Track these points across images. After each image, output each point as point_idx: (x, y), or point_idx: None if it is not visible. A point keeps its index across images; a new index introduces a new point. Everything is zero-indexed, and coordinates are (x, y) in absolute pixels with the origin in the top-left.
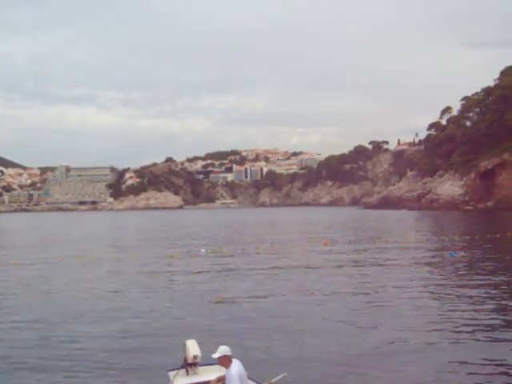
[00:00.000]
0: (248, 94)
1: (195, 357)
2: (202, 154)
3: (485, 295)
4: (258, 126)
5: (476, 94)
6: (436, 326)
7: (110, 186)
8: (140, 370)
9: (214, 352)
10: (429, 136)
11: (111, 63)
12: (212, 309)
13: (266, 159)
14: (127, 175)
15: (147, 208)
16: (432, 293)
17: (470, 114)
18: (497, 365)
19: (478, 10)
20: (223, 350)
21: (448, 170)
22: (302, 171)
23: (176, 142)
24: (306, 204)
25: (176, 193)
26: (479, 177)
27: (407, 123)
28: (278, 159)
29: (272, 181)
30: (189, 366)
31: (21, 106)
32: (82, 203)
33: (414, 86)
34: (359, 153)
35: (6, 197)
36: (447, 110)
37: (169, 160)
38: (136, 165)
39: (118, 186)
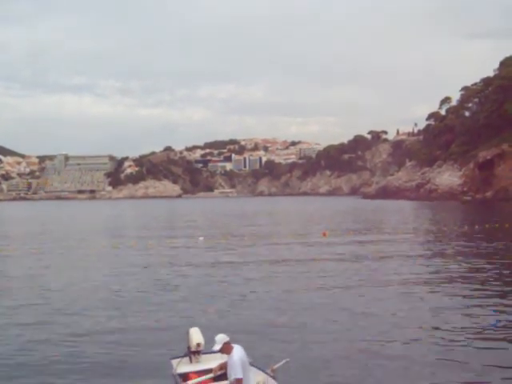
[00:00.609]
0: (247, 84)
1: (198, 344)
2: (201, 143)
3: (485, 284)
4: (257, 116)
5: (475, 84)
6: (435, 316)
7: (108, 175)
8: (143, 358)
9: (213, 344)
10: (428, 126)
11: (110, 52)
12: (211, 298)
13: (265, 148)
14: (126, 164)
15: (146, 197)
16: (428, 283)
17: (470, 105)
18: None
19: (479, 0)
20: (221, 338)
21: (447, 161)
22: (300, 161)
23: (175, 131)
24: (305, 193)
25: (175, 182)
26: (478, 167)
27: (406, 113)
28: (277, 148)
29: (271, 170)
30: (192, 353)
31: (20, 94)
32: (80, 192)
33: (414, 76)
34: (358, 142)
35: (4, 185)
36: (446, 100)
37: (168, 149)
38: (135, 154)
39: (117, 174)
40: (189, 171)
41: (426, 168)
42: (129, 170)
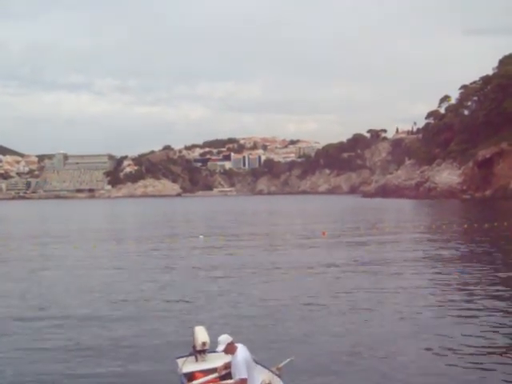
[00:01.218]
0: (245, 82)
1: (204, 343)
2: (200, 142)
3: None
4: (256, 114)
5: (474, 82)
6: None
7: (107, 174)
8: (148, 357)
9: (217, 344)
10: (427, 125)
11: (108, 50)
12: (213, 297)
13: (264, 147)
14: (125, 163)
15: (145, 196)
16: (433, 283)
17: (469, 103)
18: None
19: None
20: (224, 339)
21: (446, 159)
22: (299, 159)
23: (173, 129)
24: (304, 192)
25: (174, 181)
26: (477, 165)
27: (405, 112)
28: (276, 147)
29: (270, 169)
30: (198, 352)
31: (18, 93)
32: (79, 191)
33: (413, 74)
34: (357, 141)
35: (3, 184)
36: (445, 98)
37: (166, 148)
38: (133, 152)
39: (116, 173)
40: (188, 170)
41: (426, 166)
42: (128, 169)
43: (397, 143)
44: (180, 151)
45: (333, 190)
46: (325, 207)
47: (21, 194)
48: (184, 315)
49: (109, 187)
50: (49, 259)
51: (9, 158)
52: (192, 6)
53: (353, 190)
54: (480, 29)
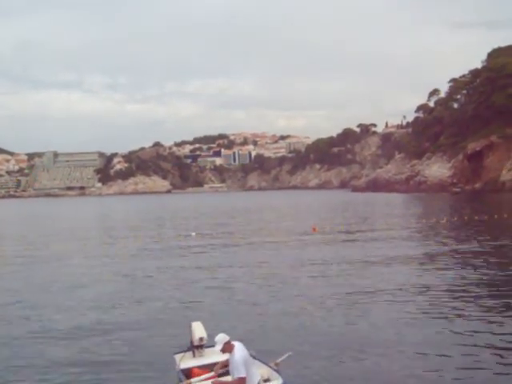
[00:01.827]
0: (235, 78)
1: (201, 339)
2: (190, 139)
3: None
4: (246, 110)
5: (464, 76)
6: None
7: (98, 171)
8: (145, 353)
9: (213, 343)
10: (416, 118)
11: (98, 48)
12: (206, 293)
13: (254, 143)
14: (115, 160)
15: (135, 193)
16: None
17: (458, 96)
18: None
19: None
20: (221, 338)
21: (436, 153)
22: (290, 155)
23: (164, 126)
24: (295, 187)
25: (164, 177)
26: (467, 159)
27: (395, 106)
28: (266, 143)
29: (260, 164)
30: (195, 348)
31: (8, 91)
32: (69, 189)
33: (402, 68)
34: (347, 136)
35: None
36: (435, 92)
37: (156, 144)
38: (124, 150)
39: (106, 171)
40: (178, 166)
41: (416, 160)
42: (118, 166)
43: (386, 137)
44: (170, 148)
45: (323, 185)
46: (315, 202)
47: (11, 193)
48: (180, 311)
49: (99, 185)
50: (36, 258)
51: None
52: (181, 2)
53: (343, 185)
54: (469, 22)
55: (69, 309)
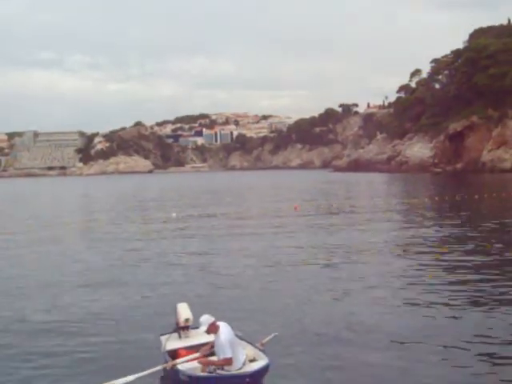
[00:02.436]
0: (217, 57)
1: (187, 320)
2: (172, 118)
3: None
4: (228, 90)
5: (446, 56)
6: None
7: (78, 151)
8: (132, 335)
9: (198, 325)
10: (398, 99)
11: (79, 26)
12: (191, 274)
13: (236, 123)
14: (96, 140)
15: (117, 172)
16: (402, 255)
17: (440, 77)
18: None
19: None
20: (206, 319)
21: (417, 133)
22: (272, 134)
23: (145, 105)
24: (277, 167)
25: (146, 157)
26: (448, 139)
27: (377, 86)
28: (248, 122)
29: (242, 144)
30: (181, 329)
31: None
32: (50, 168)
33: (385, 48)
34: (329, 116)
35: None
36: (417, 72)
37: (138, 124)
38: (105, 129)
39: (87, 150)
40: (160, 146)
41: (397, 140)
42: (99, 146)
43: (368, 118)
44: (151, 127)
45: (305, 165)
46: (297, 182)
47: None
48: (165, 292)
49: (80, 164)
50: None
51: None
52: None
53: (325, 165)
54: (453, 2)
55: (51, 291)
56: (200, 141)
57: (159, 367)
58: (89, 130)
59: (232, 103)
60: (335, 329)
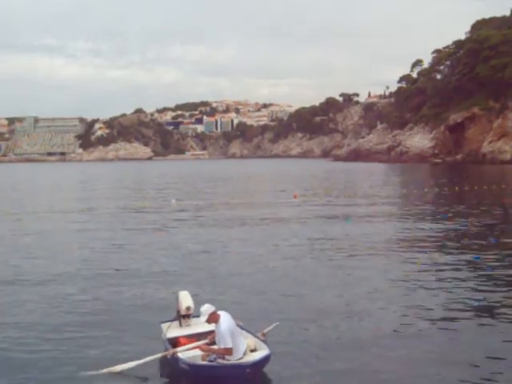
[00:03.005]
0: (218, 45)
1: (188, 308)
2: (172, 105)
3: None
4: (229, 77)
5: (447, 47)
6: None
7: (79, 137)
8: (132, 322)
9: (199, 314)
10: (399, 89)
11: (80, 12)
12: (191, 261)
13: (237, 111)
14: (96, 126)
15: (117, 159)
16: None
17: (441, 67)
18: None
19: None
20: (207, 309)
21: (418, 123)
22: (272, 123)
23: (145, 92)
24: (277, 156)
25: (145, 144)
26: (448, 130)
27: (378, 76)
28: (249, 111)
29: (242, 132)
30: (182, 317)
31: None
32: (50, 154)
33: (387, 37)
34: (330, 105)
35: None
36: (418, 62)
37: (138, 111)
38: (105, 116)
39: (87, 136)
40: (160, 133)
41: (397, 131)
42: (99, 132)
43: (369, 107)
44: (152, 114)
45: (305, 154)
46: (297, 171)
47: None
48: (167, 280)
49: (80, 150)
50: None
51: None
52: None
53: (325, 154)
54: None
55: (54, 274)
56: (200, 128)
57: (159, 355)
58: (89, 116)
59: (233, 91)
60: (336, 318)
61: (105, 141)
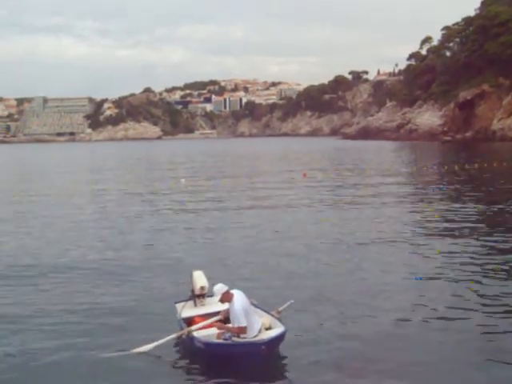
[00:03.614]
0: (227, 23)
1: (202, 288)
2: (181, 84)
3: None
4: (237, 56)
5: (457, 23)
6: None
7: (88, 117)
8: (146, 303)
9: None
10: (408, 66)
11: None
12: (201, 242)
13: (245, 89)
14: (105, 106)
15: (126, 139)
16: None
17: (451, 44)
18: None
19: None
20: (219, 288)
21: (427, 101)
22: (281, 101)
23: (154, 72)
24: (285, 134)
25: (155, 123)
26: (458, 107)
27: (387, 53)
28: (257, 89)
29: (251, 111)
30: (196, 297)
31: None
32: (59, 134)
33: (396, 15)
34: (339, 83)
35: None
36: (427, 39)
37: (147, 90)
38: (114, 95)
39: (96, 116)
40: (169, 113)
41: (407, 108)
42: (108, 112)
43: (378, 85)
44: (160, 94)
45: (314, 132)
46: (306, 149)
47: (1, 138)
48: (179, 260)
49: (89, 130)
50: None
51: None
52: None
53: (334, 132)
54: None
55: (66, 250)
56: (209, 107)
57: (175, 335)
58: (98, 96)
59: (241, 69)
60: (350, 296)
61: (114, 121)
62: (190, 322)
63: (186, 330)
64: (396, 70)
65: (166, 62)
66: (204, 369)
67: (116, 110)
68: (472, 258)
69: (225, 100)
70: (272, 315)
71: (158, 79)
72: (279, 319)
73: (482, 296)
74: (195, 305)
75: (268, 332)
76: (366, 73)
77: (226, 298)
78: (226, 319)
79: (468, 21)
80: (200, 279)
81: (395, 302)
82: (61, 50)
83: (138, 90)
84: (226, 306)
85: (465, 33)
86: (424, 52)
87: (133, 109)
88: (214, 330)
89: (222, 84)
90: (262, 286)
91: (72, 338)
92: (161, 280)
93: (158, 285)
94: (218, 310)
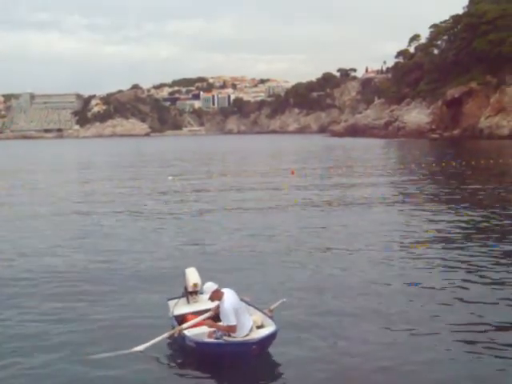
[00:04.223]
0: (215, 20)
1: (195, 285)
2: (169, 81)
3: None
4: (226, 53)
5: (445, 21)
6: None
7: (75, 114)
8: (138, 300)
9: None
10: (396, 64)
11: None
12: (192, 240)
13: (234, 86)
14: (93, 102)
15: (113, 135)
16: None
17: (439, 42)
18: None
19: None
20: (209, 287)
21: (415, 98)
22: (269, 99)
23: (142, 68)
24: (274, 131)
25: (143, 120)
26: (446, 105)
27: (375, 51)
28: (246, 86)
29: (239, 108)
30: (189, 294)
31: None
32: (47, 131)
33: (385, 12)
34: (327, 80)
35: None
36: (415, 37)
37: (135, 87)
38: (102, 92)
39: (84, 113)
40: (157, 109)
41: (395, 106)
42: (96, 109)
43: (366, 82)
44: (148, 90)
45: (302, 130)
46: (294, 147)
47: None
48: (172, 257)
49: (77, 127)
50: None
51: None
52: None
53: (322, 130)
54: None
55: (56, 252)
56: (197, 104)
57: (166, 334)
58: (86, 93)
59: (229, 66)
60: (344, 296)
61: (101, 117)
62: (183, 319)
63: (177, 329)
64: (384, 68)
65: (154, 58)
66: (196, 367)
67: (104, 107)
68: (462, 261)
69: (213, 97)
70: (264, 313)
71: (145, 75)
72: (271, 318)
73: (473, 298)
74: (188, 302)
75: (259, 331)
76: (354, 70)
77: (216, 296)
78: (217, 315)
79: (456, 18)
80: (193, 276)
81: (388, 303)
82: (48, 45)
83: (125, 87)
84: (216, 303)
85: (453, 31)
86: (412, 50)
87: (121, 105)
88: (206, 329)
89: (211, 81)
90: (253, 284)
91: (61, 345)
92: (148, 284)
93: (145, 289)
94: (211, 307)
